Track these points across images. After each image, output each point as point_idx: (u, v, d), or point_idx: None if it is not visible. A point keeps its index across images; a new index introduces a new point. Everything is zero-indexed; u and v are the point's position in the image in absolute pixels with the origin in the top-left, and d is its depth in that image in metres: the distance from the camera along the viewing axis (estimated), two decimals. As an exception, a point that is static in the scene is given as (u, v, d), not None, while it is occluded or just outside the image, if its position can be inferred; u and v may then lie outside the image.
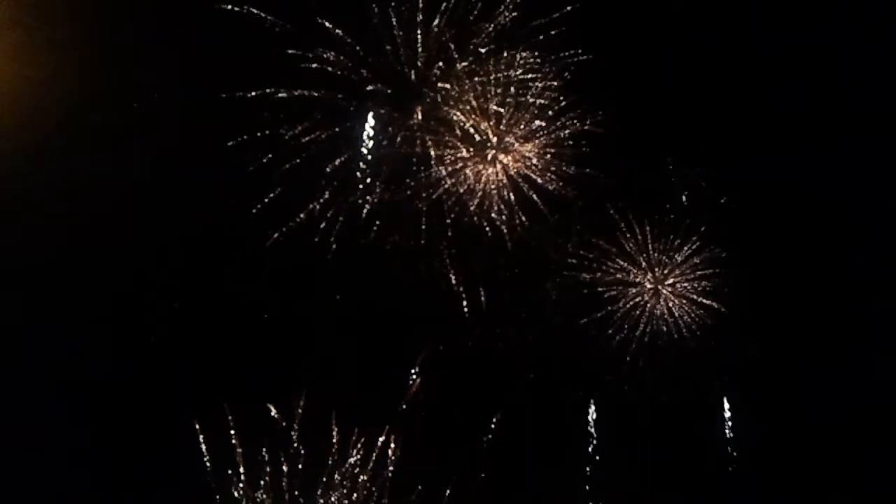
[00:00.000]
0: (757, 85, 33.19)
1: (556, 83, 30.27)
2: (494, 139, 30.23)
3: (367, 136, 29.60)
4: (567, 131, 30.65)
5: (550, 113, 30.47)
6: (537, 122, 30.44)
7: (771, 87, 33.02)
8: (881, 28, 32.57)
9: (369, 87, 29.34)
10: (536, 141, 30.54)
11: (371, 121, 29.62)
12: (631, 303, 33.71)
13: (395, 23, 29.10)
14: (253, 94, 28.55)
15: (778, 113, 33.26)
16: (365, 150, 29.68)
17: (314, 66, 28.94)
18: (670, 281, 33.85)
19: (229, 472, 28.81)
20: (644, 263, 33.68)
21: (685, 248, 33.75)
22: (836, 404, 33.58)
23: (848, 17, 32.48)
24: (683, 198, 33.90)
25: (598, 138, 30.79)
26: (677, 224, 33.71)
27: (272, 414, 29.11)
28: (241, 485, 28.73)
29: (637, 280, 33.78)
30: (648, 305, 33.76)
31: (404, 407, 31.00)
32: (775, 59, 33.03)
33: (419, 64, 29.43)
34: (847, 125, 33.39)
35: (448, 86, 29.70)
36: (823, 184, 33.31)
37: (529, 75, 30.05)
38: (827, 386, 33.71)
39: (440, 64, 29.40)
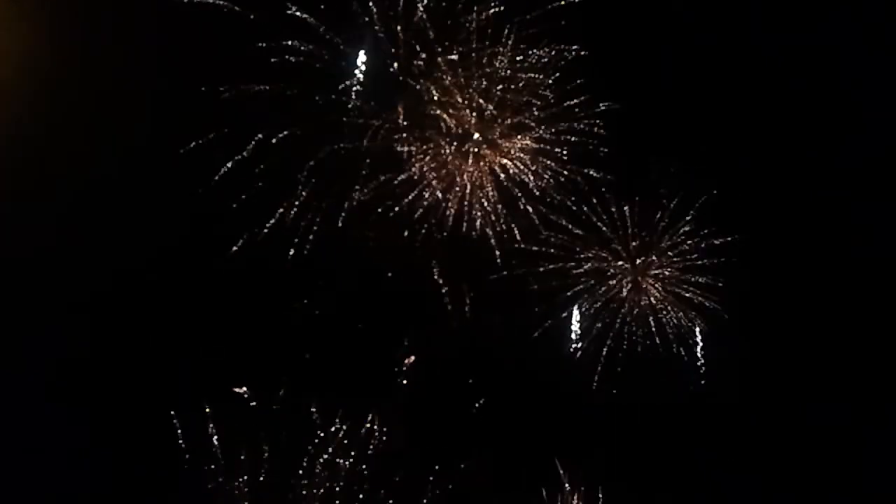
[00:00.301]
0: (756, 85, 33.16)
1: (539, 78, 30.14)
2: (476, 135, 30.17)
3: (349, 130, 29.41)
4: (552, 128, 30.49)
5: (534, 109, 30.33)
6: (520, 118, 30.27)
7: (771, 86, 32.96)
8: (881, 28, 32.55)
9: (347, 83, 29.20)
10: (519, 136, 30.40)
11: (356, 83, 29.39)
12: (609, 295, 33.03)
13: (375, 14, 28.96)
14: (228, 87, 28.42)
15: (777, 112, 33.23)
16: (347, 146, 29.51)
17: (292, 59, 28.81)
18: (654, 271, 33.05)
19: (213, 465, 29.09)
20: (623, 251, 32.97)
21: (669, 236, 32.91)
22: (835, 405, 33.54)
23: (848, 17, 32.45)
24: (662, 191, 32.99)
25: (585, 133, 30.72)
26: (664, 208, 32.81)
27: (251, 404, 29.29)
28: (220, 479, 28.91)
29: (615, 271, 32.99)
30: (628, 298, 33.07)
31: (397, 383, 31.08)
32: (775, 59, 32.98)
33: (400, 57, 29.29)
34: (847, 125, 33.39)
35: (430, 80, 29.49)
36: (822, 183, 33.25)
37: (509, 72, 29.89)
38: (825, 387, 33.67)
39: (423, 55, 29.25)
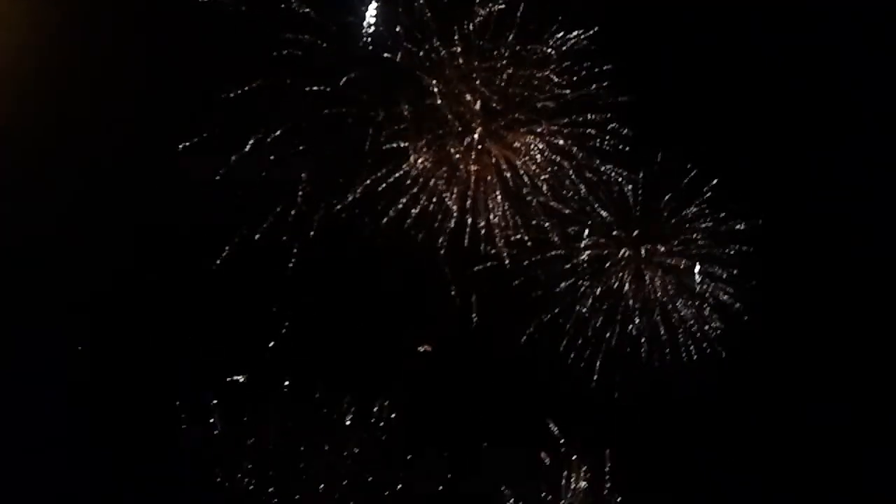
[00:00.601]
0: (756, 85, 33.09)
1: (544, 73, 30.04)
2: (480, 129, 30.02)
3: (350, 124, 29.29)
4: (558, 119, 30.32)
5: (539, 102, 30.20)
6: (524, 110, 30.13)
7: (771, 86, 32.90)
8: (881, 28, 32.52)
9: (347, 77, 29.09)
10: (524, 128, 30.25)
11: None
12: (609, 285, 32.14)
13: (377, 6, 28.97)
14: (228, 83, 28.31)
15: (777, 112, 33.13)
16: (348, 140, 29.43)
17: (296, 53, 28.74)
18: (658, 259, 32.01)
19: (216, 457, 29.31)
20: (626, 238, 32.01)
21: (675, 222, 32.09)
22: (837, 406, 33.44)
23: (848, 17, 32.40)
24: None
25: (591, 124, 30.55)
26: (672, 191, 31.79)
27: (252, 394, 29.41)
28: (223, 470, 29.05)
29: (616, 259, 31.86)
30: (630, 289, 32.15)
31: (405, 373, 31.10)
32: (775, 59, 32.92)
33: (403, 49, 29.22)
34: (847, 125, 33.33)
35: (433, 72, 29.43)
36: (822, 184, 33.18)
37: (511, 69, 29.80)
38: (829, 388, 33.57)
39: (426, 46, 29.18)
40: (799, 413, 33.56)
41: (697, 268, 32.15)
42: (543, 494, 31.85)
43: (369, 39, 28.89)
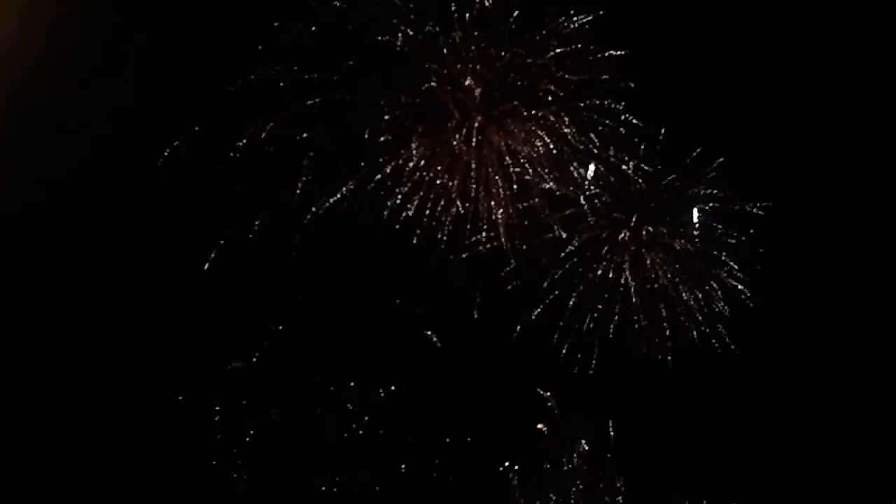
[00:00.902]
0: (756, 84, 33.17)
1: (544, 59, 30.05)
2: (480, 115, 29.95)
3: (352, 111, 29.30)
4: (560, 105, 30.24)
5: (538, 90, 30.14)
6: (526, 97, 30.08)
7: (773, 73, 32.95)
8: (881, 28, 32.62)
9: (346, 65, 29.09)
10: (523, 114, 30.16)
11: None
12: (608, 271, 31.39)
13: None
14: (229, 74, 28.51)
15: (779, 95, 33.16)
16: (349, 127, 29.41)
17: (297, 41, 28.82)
18: (659, 240, 31.24)
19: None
20: (622, 213, 31.51)
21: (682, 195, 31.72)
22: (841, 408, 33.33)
23: (848, 18, 32.49)
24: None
25: (589, 109, 30.52)
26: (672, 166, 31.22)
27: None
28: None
29: (615, 243, 31.07)
30: (626, 276, 31.38)
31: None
32: (775, 59, 32.99)
33: (401, 33, 29.22)
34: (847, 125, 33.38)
35: (433, 59, 29.39)
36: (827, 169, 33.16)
37: (510, 55, 29.75)
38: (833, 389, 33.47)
39: (426, 31, 29.19)
40: (800, 405, 33.37)
41: (696, 214, 31.73)
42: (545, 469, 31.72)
43: (367, 26, 28.97)
